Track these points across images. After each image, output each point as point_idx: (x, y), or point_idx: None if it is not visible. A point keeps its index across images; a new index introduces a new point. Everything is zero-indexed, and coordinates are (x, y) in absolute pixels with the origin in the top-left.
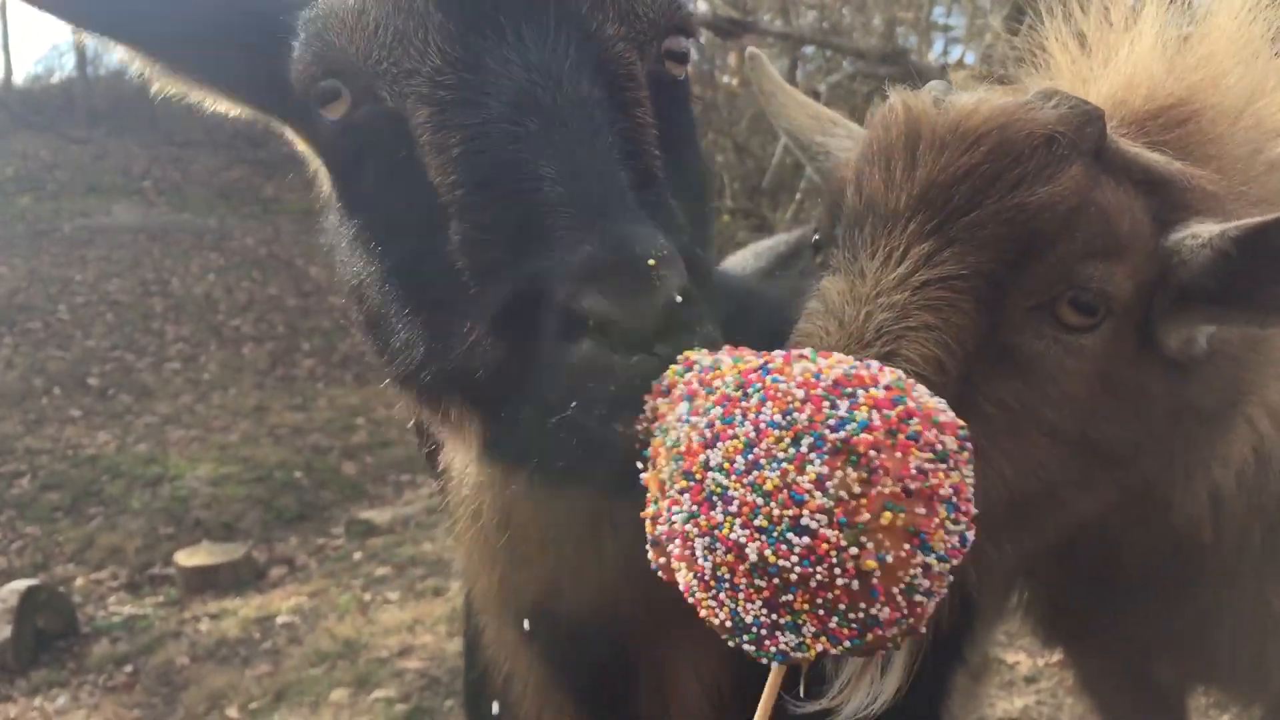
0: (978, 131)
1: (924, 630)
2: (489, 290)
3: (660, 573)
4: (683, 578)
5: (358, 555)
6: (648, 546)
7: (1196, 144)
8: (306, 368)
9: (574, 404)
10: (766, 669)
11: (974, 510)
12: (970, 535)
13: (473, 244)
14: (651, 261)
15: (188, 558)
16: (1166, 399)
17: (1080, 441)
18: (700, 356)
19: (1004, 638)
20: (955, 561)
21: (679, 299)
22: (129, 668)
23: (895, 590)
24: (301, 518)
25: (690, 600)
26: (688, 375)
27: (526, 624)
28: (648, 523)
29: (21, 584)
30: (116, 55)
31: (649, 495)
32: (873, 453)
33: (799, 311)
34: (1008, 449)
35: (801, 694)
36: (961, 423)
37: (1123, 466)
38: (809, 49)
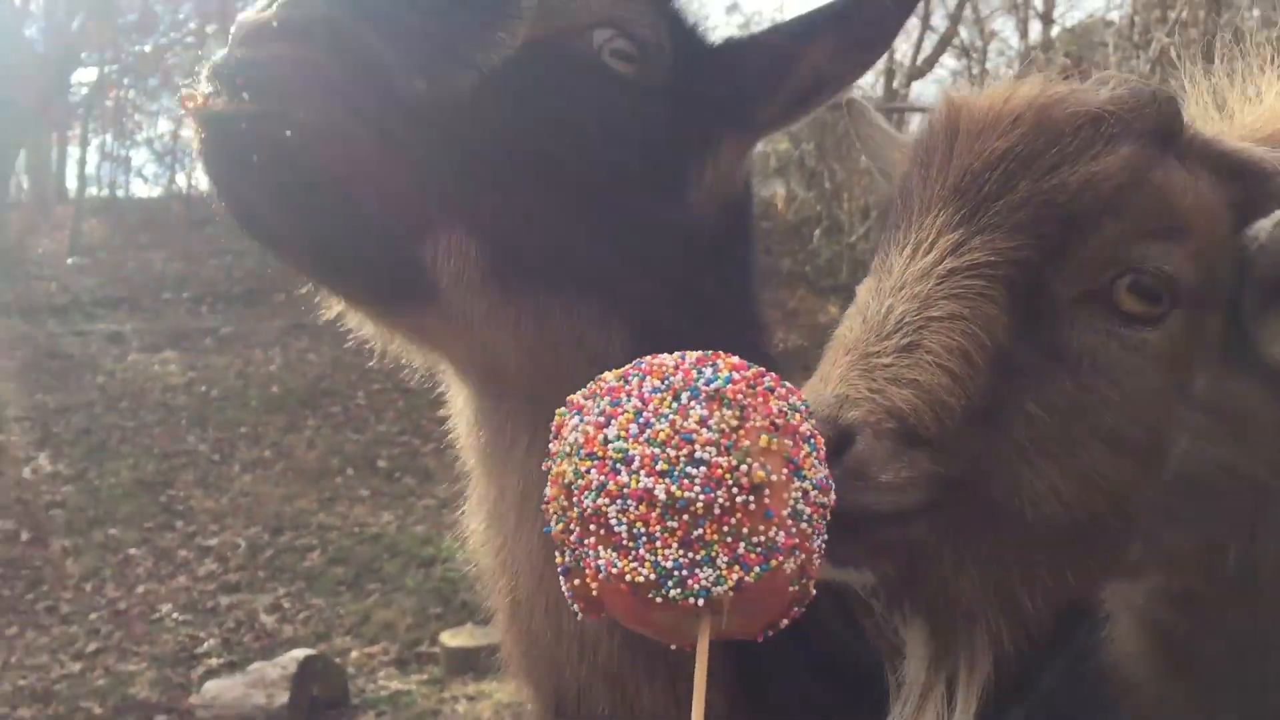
0: (1014, 113)
1: (815, 565)
2: None
3: (578, 607)
4: (604, 558)
5: None
6: (564, 586)
7: None
8: None
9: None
10: None
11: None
12: (829, 479)
13: None
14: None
15: (452, 638)
16: (1274, 418)
17: (1155, 455)
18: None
19: None
20: (828, 499)
21: (275, 25)
22: None
23: (785, 513)
24: None
25: (612, 575)
26: (572, 401)
27: None
28: (556, 555)
29: (301, 653)
30: None
31: (553, 527)
32: (740, 397)
33: None
34: (1058, 456)
35: None
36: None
37: (1219, 500)
38: None
